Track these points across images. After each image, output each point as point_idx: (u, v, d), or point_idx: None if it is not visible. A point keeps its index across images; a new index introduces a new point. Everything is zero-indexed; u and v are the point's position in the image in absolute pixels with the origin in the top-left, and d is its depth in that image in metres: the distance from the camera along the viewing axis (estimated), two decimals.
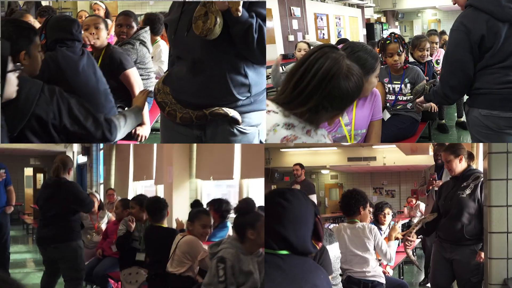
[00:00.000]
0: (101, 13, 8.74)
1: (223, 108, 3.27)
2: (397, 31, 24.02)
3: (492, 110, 3.59)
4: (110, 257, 6.08)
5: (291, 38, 13.82)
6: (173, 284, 4.28)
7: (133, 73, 4.84)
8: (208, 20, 3.09)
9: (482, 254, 4.08)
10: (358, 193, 4.46)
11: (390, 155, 13.76)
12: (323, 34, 16.13)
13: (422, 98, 5.07)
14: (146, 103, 4.03)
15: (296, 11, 14.27)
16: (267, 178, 15.25)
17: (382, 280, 4.38)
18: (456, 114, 8.14)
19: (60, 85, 3.31)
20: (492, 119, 3.62)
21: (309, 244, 1.93)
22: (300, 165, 8.55)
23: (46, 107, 3.00)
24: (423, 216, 4.60)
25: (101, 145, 11.37)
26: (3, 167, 6.44)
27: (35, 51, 3.21)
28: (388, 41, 5.08)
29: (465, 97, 4.00)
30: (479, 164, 5.38)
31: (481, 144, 5.43)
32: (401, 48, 4.98)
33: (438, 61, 7.53)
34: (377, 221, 5.45)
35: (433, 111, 5.58)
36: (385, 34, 20.79)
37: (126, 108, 4.54)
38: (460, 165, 4.24)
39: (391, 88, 5.20)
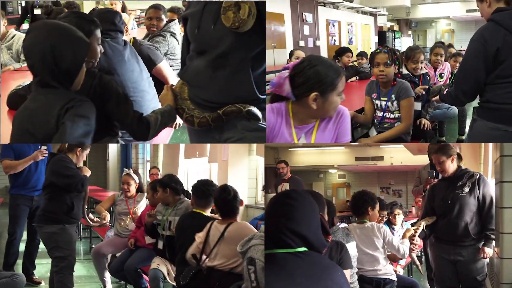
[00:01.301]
0: (118, 7, 8.69)
1: (236, 104, 3.06)
2: (409, 40, 23.70)
3: (498, 124, 3.66)
4: (144, 248, 5.29)
5: (302, 43, 13.63)
6: (219, 282, 3.76)
7: (164, 66, 4.85)
8: (241, 10, 2.93)
9: (486, 249, 4.08)
10: (367, 194, 4.49)
11: (397, 154, 14.09)
12: (334, 40, 15.97)
13: (437, 97, 5.27)
14: None
15: (308, 17, 14.12)
16: (275, 177, 15.91)
17: (394, 278, 4.41)
18: (458, 131, 7.87)
19: (109, 74, 3.41)
20: (497, 132, 3.69)
21: (322, 238, 2.00)
22: (285, 162, 8.14)
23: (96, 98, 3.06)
24: (422, 220, 4.31)
25: None
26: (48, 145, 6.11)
27: (95, 43, 3.18)
28: (378, 51, 4.85)
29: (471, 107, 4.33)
30: (491, 167, 5.42)
31: (490, 146, 5.48)
32: (389, 60, 4.70)
33: (442, 74, 7.21)
34: (389, 222, 5.48)
35: (426, 128, 5.39)
36: (397, 42, 20.56)
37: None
38: (452, 166, 4.23)
39: (379, 104, 4.91)
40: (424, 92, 5.63)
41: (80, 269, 6.65)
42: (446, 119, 7.21)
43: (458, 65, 7.26)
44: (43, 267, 6.00)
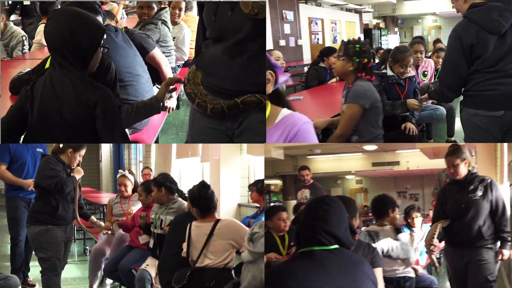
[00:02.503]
0: None
1: (256, 95, 3.08)
2: (396, 37, 23.78)
3: (477, 110, 4.08)
4: (138, 248, 5.40)
5: (282, 43, 13.57)
6: (215, 280, 3.88)
7: (157, 53, 5.04)
8: None
9: (504, 252, 4.25)
10: (388, 197, 4.81)
11: (413, 159, 14.21)
12: (318, 39, 15.93)
13: (426, 95, 5.34)
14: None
15: (289, 15, 14.06)
16: (294, 184, 16.27)
17: (412, 275, 4.63)
18: (446, 132, 7.88)
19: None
20: (478, 117, 4.09)
21: (350, 237, 2.40)
22: (308, 168, 8.35)
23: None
24: (438, 222, 4.45)
25: None
26: (43, 146, 6.07)
27: None
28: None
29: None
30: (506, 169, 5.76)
31: (505, 147, 5.80)
32: (340, 52, 4.53)
33: (426, 72, 7.06)
34: (409, 225, 5.57)
35: (412, 133, 5.42)
36: (384, 40, 20.68)
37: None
38: (465, 169, 4.35)
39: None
40: (423, 105, 5.49)
41: (74, 271, 6.81)
42: (433, 121, 7.13)
43: (441, 60, 7.25)
44: (37, 269, 5.75)
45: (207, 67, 3.22)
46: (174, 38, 6.76)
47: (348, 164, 14.90)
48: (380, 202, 4.75)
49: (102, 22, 3.79)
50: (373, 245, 3.84)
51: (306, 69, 12.66)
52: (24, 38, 6.71)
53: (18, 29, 6.58)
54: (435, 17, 25.72)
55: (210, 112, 3.16)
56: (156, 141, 5.37)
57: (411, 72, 5.71)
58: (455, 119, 7.59)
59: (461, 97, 4.39)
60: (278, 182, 13.13)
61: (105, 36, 3.43)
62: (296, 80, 12.70)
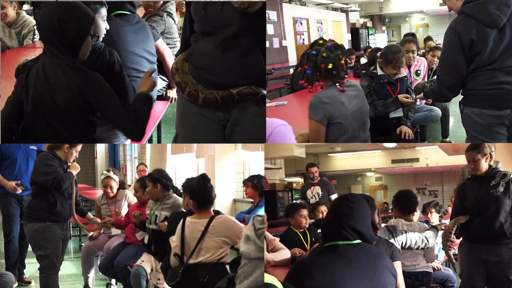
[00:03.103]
0: None
1: (252, 87, 3.17)
2: (384, 36, 23.83)
3: (482, 109, 4.07)
4: (133, 245, 5.51)
5: (266, 44, 13.82)
6: (209, 275, 3.97)
7: (161, 44, 5.28)
8: None
9: None
10: (414, 194, 5.04)
11: (432, 156, 14.47)
12: (303, 39, 15.82)
13: (421, 95, 5.34)
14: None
15: (272, 15, 13.99)
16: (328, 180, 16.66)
17: (430, 270, 4.81)
18: (441, 133, 7.95)
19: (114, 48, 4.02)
20: (483, 117, 4.10)
21: (372, 233, 2.64)
22: (316, 165, 8.58)
23: None
24: (458, 217, 4.50)
25: None
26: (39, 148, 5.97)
27: (99, 20, 4.00)
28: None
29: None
30: None
31: None
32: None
33: (419, 72, 6.83)
34: (426, 221, 5.85)
35: (408, 137, 5.39)
36: (371, 39, 20.67)
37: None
38: (486, 164, 4.37)
39: None
40: (409, 100, 5.33)
41: (70, 267, 7.02)
42: (428, 122, 6.93)
43: (436, 59, 7.08)
44: (32, 266, 6.10)
45: (198, 61, 3.29)
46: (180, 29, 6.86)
47: (368, 162, 15.34)
48: (410, 197, 4.98)
49: (105, 13, 4.08)
50: (392, 240, 4.00)
51: (292, 71, 12.64)
52: (34, 27, 6.85)
53: (30, 18, 6.73)
54: (422, 15, 25.89)
55: (202, 101, 3.24)
56: (159, 131, 5.54)
57: (403, 72, 5.58)
58: (449, 120, 7.69)
59: (460, 97, 4.41)
60: (300, 180, 13.41)
61: (107, 28, 3.83)
62: (281, 83, 12.66)
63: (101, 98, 3.46)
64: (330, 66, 3.93)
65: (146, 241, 5.19)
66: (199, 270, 3.99)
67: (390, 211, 16.07)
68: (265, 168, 11.88)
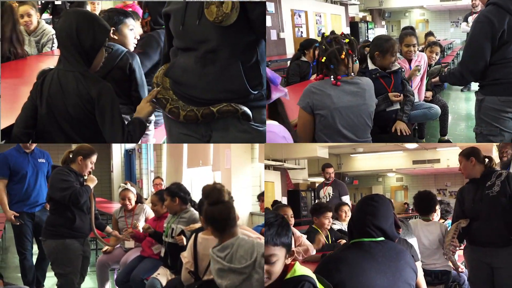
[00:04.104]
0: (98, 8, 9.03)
1: (232, 104, 3.21)
2: (383, 30, 23.43)
3: (509, 96, 4.26)
4: (150, 258, 5.53)
5: None
6: None
7: None
8: (224, 4, 3.04)
9: None
10: (431, 195, 5.18)
11: (454, 157, 14.66)
12: (301, 32, 15.64)
13: (437, 78, 5.60)
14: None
15: (270, 6, 13.78)
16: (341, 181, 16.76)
17: (450, 269, 4.82)
18: (439, 131, 7.81)
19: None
20: (509, 103, 4.28)
21: (395, 231, 2.88)
22: (332, 166, 8.78)
23: None
24: (459, 221, 4.51)
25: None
26: (47, 156, 6.25)
27: (124, 30, 4.44)
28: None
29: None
30: None
31: None
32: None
33: (419, 67, 6.52)
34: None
35: (405, 134, 5.25)
36: (371, 34, 20.27)
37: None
38: (475, 168, 4.45)
39: None
40: (398, 98, 5.21)
41: (87, 281, 6.63)
42: (427, 120, 6.82)
43: (435, 55, 7.22)
44: (50, 280, 6.20)
45: (179, 77, 3.35)
46: None
47: (389, 162, 15.43)
48: (430, 198, 5.16)
49: (133, 23, 4.50)
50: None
51: (289, 63, 12.57)
52: (53, 36, 6.95)
53: (49, 27, 6.87)
54: (422, 10, 25.87)
55: (183, 119, 3.30)
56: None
57: (396, 65, 5.41)
58: (448, 117, 7.60)
59: (475, 92, 4.58)
60: (322, 180, 13.79)
61: (137, 36, 4.11)
62: (279, 75, 12.64)
63: (105, 108, 3.56)
64: (323, 59, 4.13)
65: (162, 254, 5.20)
66: (214, 287, 3.82)
67: (410, 211, 16.11)
68: (289, 168, 12.38)
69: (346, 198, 8.30)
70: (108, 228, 5.54)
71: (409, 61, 6.43)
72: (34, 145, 5.98)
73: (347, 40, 4.20)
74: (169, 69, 3.43)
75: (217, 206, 3.37)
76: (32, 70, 5.34)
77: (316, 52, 4.32)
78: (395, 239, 2.90)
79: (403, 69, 5.73)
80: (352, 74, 4.18)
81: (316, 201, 8.22)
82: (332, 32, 4.26)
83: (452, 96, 10.86)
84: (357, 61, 4.30)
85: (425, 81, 6.48)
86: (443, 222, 5.56)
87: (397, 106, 5.30)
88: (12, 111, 3.94)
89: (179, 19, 3.29)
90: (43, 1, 9.72)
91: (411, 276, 2.82)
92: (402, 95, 5.24)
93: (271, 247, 2.41)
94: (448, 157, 14.37)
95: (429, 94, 7.14)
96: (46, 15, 9.80)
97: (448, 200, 6.56)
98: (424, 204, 5.12)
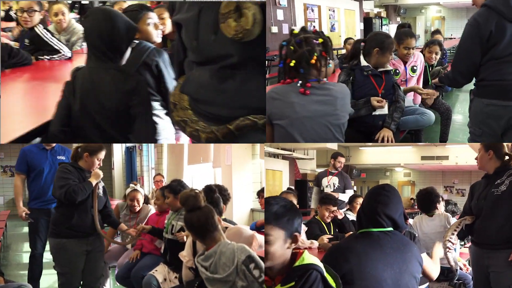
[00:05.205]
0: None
1: (249, 117, 3.02)
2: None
3: (491, 99, 4.21)
4: (150, 254, 5.52)
5: (275, 29, 13.13)
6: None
7: None
8: (243, 18, 2.76)
9: None
10: (435, 192, 5.26)
11: (462, 154, 14.60)
12: (314, 26, 15.01)
13: (437, 80, 5.61)
14: None
15: (282, 0, 13.69)
16: (346, 173, 16.80)
17: (456, 267, 4.76)
18: (439, 136, 6.93)
19: None
20: (491, 107, 4.22)
21: (404, 221, 2.91)
22: (344, 156, 8.45)
23: None
24: (464, 217, 4.36)
25: None
26: (68, 153, 6.10)
27: (143, 25, 4.34)
28: None
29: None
30: None
31: None
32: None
33: (415, 68, 6.00)
34: None
35: (388, 141, 4.67)
36: (385, 30, 19.68)
37: None
38: (491, 162, 4.29)
39: None
40: (381, 104, 4.78)
41: None
42: (419, 127, 6.07)
43: (433, 56, 6.82)
44: (49, 278, 6.29)
45: (195, 93, 3.15)
46: None
47: (398, 157, 15.51)
48: (431, 196, 5.24)
49: (153, 16, 4.47)
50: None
51: None
52: (83, 34, 7.12)
53: (79, 26, 6.93)
54: (439, 7, 25.71)
55: (204, 141, 3.15)
56: None
57: (388, 66, 5.01)
58: (451, 122, 6.85)
59: (470, 90, 4.54)
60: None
61: (160, 32, 4.31)
62: None
63: (142, 102, 3.68)
64: (292, 63, 3.52)
65: (162, 250, 5.24)
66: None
67: (416, 207, 16.13)
68: (297, 158, 12.62)
69: (350, 192, 8.13)
70: (122, 226, 5.36)
71: (405, 62, 5.92)
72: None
73: (320, 40, 3.58)
74: (184, 84, 3.28)
75: (194, 212, 3.34)
76: (63, 68, 5.46)
77: (283, 53, 3.60)
78: (403, 230, 2.95)
79: (398, 70, 5.56)
80: (324, 79, 3.61)
81: (319, 189, 8.14)
82: (303, 29, 3.63)
83: (460, 98, 10.67)
84: (331, 64, 3.71)
85: (421, 83, 6.17)
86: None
87: (385, 112, 4.84)
88: (44, 110, 4.04)
89: (191, 32, 3.05)
90: (70, 1, 9.79)
91: (417, 269, 2.87)
92: (385, 100, 4.75)
93: (267, 225, 2.38)
94: (457, 154, 14.43)
95: (431, 101, 6.50)
96: (73, 14, 9.90)
97: (455, 199, 6.45)
98: (425, 202, 5.23)
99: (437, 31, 10.33)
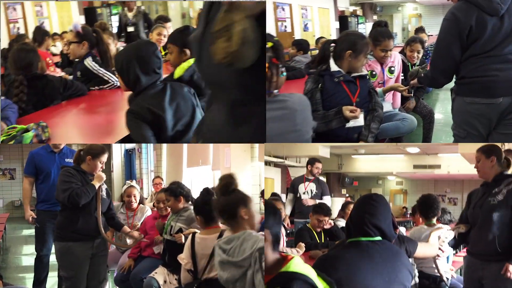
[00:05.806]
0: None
1: None
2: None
3: (474, 98, 4.07)
4: (149, 257, 5.55)
5: None
6: None
7: None
8: (233, 37, 2.07)
9: (510, 268, 3.90)
10: (434, 199, 4.82)
11: (454, 163, 14.66)
12: (285, 26, 14.51)
13: (415, 80, 5.07)
14: None
15: None
16: (338, 182, 17.22)
17: (449, 276, 4.71)
18: (422, 139, 6.92)
19: None
20: (475, 106, 4.08)
21: (393, 231, 2.90)
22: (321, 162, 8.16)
23: None
24: (458, 225, 4.27)
25: None
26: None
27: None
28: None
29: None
30: None
31: None
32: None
33: (392, 68, 5.63)
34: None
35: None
36: (361, 28, 19.00)
37: None
38: (493, 169, 4.14)
39: None
40: (355, 114, 4.35)
41: None
42: (400, 135, 5.61)
43: (415, 54, 6.54)
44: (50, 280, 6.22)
45: (210, 139, 2.64)
46: None
47: (390, 165, 15.60)
48: (432, 202, 4.76)
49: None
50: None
51: None
52: None
53: None
54: (415, 5, 25.34)
55: None
56: None
57: (364, 71, 4.64)
58: (433, 126, 6.65)
59: (450, 89, 4.36)
60: (323, 179, 14.10)
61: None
62: None
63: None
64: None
65: (160, 250, 5.29)
66: (213, 285, 3.98)
67: (408, 215, 16.27)
68: (290, 166, 12.59)
69: (327, 198, 7.84)
70: (126, 228, 5.33)
71: (381, 63, 5.53)
72: (63, 145, 6.01)
73: (269, 44, 3.10)
74: (198, 128, 2.87)
75: (229, 195, 3.36)
76: (114, 96, 5.72)
77: None
78: (393, 239, 2.94)
79: (374, 72, 5.23)
80: (276, 91, 3.14)
81: (294, 196, 7.93)
82: None
83: (440, 97, 10.57)
84: (284, 73, 3.20)
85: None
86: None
87: (361, 123, 4.48)
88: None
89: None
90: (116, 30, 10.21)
91: (407, 278, 2.86)
92: (359, 110, 4.35)
93: None
94: (449, 163, 14.52)
95: (413, 104, 6.47)
96: (120, 43, 10.17)
97: (448, 208, 6.41)
98: (427, 209, 4.76)
99: (421, 29, 10.07)
